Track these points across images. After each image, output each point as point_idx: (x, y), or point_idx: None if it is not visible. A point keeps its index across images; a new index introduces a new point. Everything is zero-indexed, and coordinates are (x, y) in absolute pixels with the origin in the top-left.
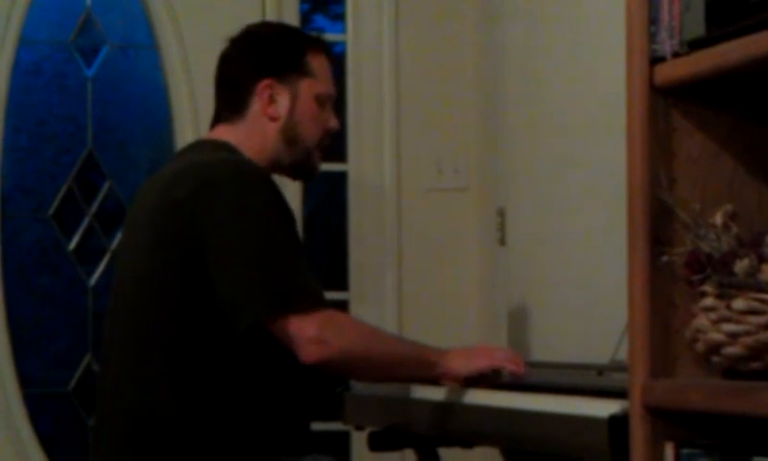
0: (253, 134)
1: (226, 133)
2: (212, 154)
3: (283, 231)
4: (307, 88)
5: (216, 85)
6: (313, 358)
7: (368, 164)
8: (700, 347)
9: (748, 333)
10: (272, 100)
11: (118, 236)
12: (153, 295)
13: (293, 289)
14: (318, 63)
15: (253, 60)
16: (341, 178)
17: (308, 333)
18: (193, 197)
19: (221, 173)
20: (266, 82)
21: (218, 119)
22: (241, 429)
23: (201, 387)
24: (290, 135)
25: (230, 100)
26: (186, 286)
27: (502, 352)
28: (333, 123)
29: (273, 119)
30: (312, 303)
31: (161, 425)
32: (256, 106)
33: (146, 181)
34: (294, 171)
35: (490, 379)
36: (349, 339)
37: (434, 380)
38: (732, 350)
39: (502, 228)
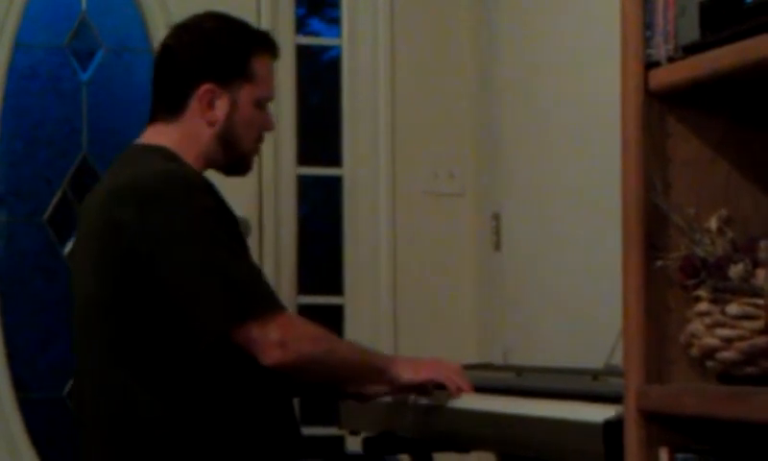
0: (189, 136)
1: (161, 135)
2: (148, 164)
3: (229, 239)
4: (248, 94)
5: (155, 78)
6: (274, 361)
7: (363, 169)
8: (694, 352)
9: (742, 338)
10: (210, 105)
11: None
12: (105, 311)
13: (249, 296)
14: (262, 66)
15: (198, 60)
16: (336, 182)
17: (271, 338)
18: (134, 218)
19: (158, 188)
20: (207, 86)
21: (155, 115)
22: (228, 437)
23: (179, 399)
24: (226, 140)
25: (168, 98)
26: (139, 302)
27: (447, 369)
28: (269, 125)
29: (210, 124)
30: (269, 306)
31: (146, 439)
32: (194, 108)
33: (89, 193)
34: (228, 170)
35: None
36: (309, 344)
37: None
38: (726, 354)
39: (497, 232)
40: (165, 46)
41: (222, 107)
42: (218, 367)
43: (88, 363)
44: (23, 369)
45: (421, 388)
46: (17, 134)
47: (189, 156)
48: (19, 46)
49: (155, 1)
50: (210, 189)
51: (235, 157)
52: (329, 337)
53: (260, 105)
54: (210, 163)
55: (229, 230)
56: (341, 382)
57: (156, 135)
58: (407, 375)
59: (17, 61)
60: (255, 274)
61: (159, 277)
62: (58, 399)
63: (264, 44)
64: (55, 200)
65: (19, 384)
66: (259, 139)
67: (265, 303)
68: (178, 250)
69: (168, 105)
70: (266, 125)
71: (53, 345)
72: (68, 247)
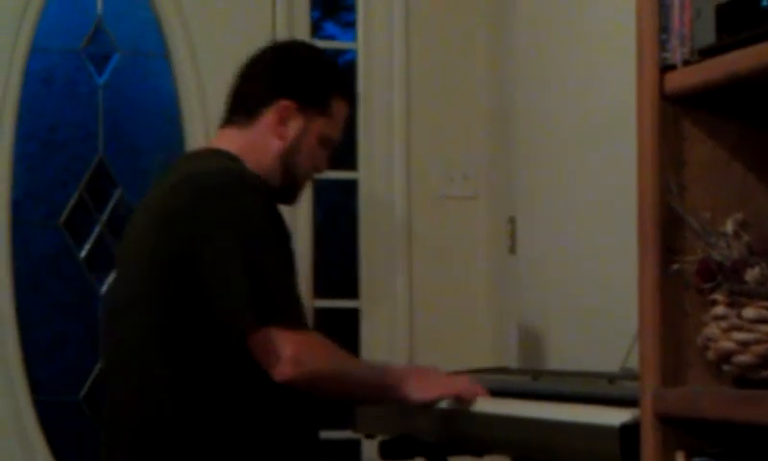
0: (256, 145)
1: (230, 140)
2: (209, 162)
3: (275, 245)
4: (319, 127)
5: (237, 82)
6: (285, 377)
7: (378, 172)
8: (711, 355)
9: (759, 342)
10: (284, 121)
11: None
12: (151, 306)
13: (278, 304)
14: (339, 109)
15: (283, 77)
16: (351, 186)
17: (285, 352)
18: (189, 207)
19: (217, 182)
20: (287, 102)
21: (228, 119)
22: (249, 437)
23: (206, 396)
24: (287, 162)
25: (246, 102)
26: (184, 298)
27: (456, 383)
28: (324, 166)
29: (279, 138)
30: (293, 321)
31: (168, 436)
32: (268, 120)
33: (149, 190)
34: (278, 195)
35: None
36: (323, 363)
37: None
38: (742, 358)
39: (512, 236)
40: (259, 54)
41: (294, 127)
42: (247, 369)
43: (119, 361)
44: (39, 372)
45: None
46: (33, 138)
47: (252, 164)
48: (35, 50)
49: (171, 6)
50: (268, 194)
51: (289, 183)
52: (342, 357)
53: (325, 143)
54: (267, 178)
55: (278, 237)
56: (352, 400)
57: (224, 139)
58: (417, 394)
59: (33, 65)
60: (291, 287)
61: (202, 266)
62: (74, 402)
63: (348, 93)
64: (71, 203)
65: (35, 387)
66: (311, 175)
67: (289, 316)
68: (223, 243)
69: (245, 109)
70: (321, 164)
71: (69, 348)
72: (85, 250)
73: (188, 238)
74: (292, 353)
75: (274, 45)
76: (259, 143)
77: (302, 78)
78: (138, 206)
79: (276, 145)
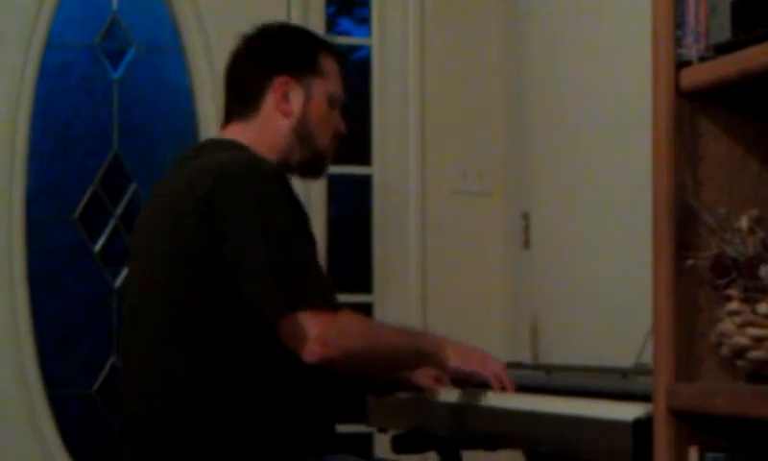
0: (266, 131)
1: (237, 132)
2: (225, 153)
3: (297, 228)
4: (320, 88)
5: (228, 83)
6: (316, 358)
7: (392, 168)
8: (725, 351)
9: None
10: (285, 97)
11: None
12: (172, 296)
13: (304, 287)
14: (329, 64)
15: (269, 57)
16: (366, 181)
17: (312, 333)
18: (208, 196)
19: (235, 170)
20: (281, 78)
21: (230, 117)
22: (264, 429)
23: (223, 387)
24: (303, 133)
25: (244, 97)
26: (205, 286)
27: (493, 365)
28: (341, 126)
29: (285, 115)
30: (320, 302)
31: (184, 427)
32: (270, 102)
33: (159, 183)
34: (302, 170)
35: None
36: (353, 340)
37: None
38: (756, 354)
39: (526, 231)
40: (237, 49)
41: (296, 98)
42: (269, 358)
43: (138, 352)
44: (53, 365)
45: (464, 380)
46: (49, 133)
47: (266, 151)
48: (51, 45)
49: (185, 1)
50: (284, 179)
51: (311, 155)
52: (374, 329)
53: (332, 103)
54: (285, 161)
55: (299, 220)
56: (387, 373)
57: (232, 133)
58: (455, 361)
59: (49, 61)
60: (315, 268)
61: (225, 255)
62: (87, 394)
63: (329, 46)
64: (85, 198)
65: (49, 380)
66: (333, 140)
67: (318, 296)
68: (245, 231)
69: (245, 102)
70: (338, 125)
71: (82, 341)
72: (99, 244)
73: (209, 229)
74: (320, 334)
75: (246, 36)
76: (269, 127)
77: (285, 48)
78: (149, 201)
79: (284, 123)
